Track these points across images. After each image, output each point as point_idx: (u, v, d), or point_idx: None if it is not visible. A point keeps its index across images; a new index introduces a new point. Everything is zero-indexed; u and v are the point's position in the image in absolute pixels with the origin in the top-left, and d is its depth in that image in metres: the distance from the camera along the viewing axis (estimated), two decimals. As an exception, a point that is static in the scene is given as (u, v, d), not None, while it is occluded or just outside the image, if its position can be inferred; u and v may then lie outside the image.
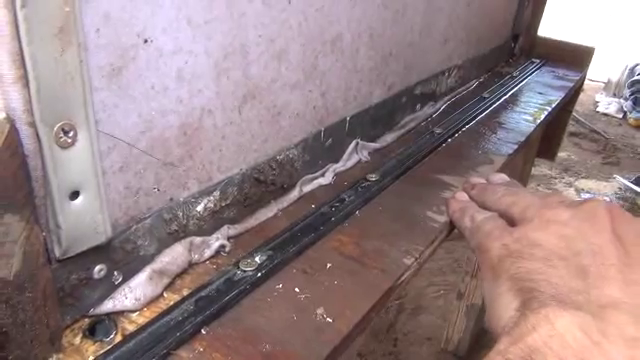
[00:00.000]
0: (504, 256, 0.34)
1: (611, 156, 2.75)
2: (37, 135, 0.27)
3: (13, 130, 0.25)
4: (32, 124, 0.26)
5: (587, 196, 2.26)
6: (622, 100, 3.30)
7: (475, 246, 0.39)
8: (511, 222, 0.38)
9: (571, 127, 3.03)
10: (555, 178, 2.48)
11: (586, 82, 3.55)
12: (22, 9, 0.24)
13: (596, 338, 0.25)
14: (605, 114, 3.30)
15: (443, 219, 0.49)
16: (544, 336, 0.25)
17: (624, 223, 0.32)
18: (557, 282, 0.29)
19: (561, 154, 2.70)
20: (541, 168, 2.52)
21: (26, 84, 0.26)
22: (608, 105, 3.35)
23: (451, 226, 0.48)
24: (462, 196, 0.48)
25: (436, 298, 1.63)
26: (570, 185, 2.43)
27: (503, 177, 0.50)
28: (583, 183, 2.45)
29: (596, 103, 3.43)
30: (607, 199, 2.24)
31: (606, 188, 2.41)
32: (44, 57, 0.26)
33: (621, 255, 0.29)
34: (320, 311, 0.37)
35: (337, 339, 0.34)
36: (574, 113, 3.12)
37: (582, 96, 3.47)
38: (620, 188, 2.39)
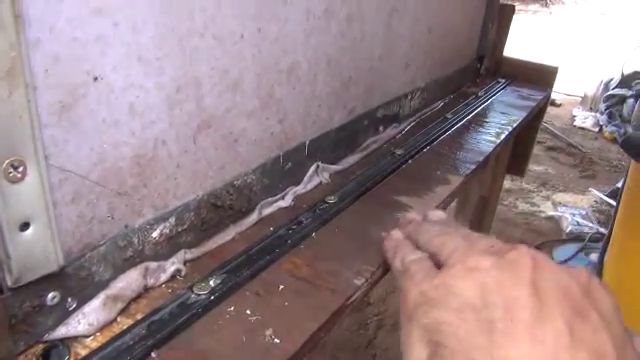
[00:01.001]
0: (420, 303, 0.33)
1: (588, 169, 2.81)
2: (-14, 171, 0.28)
3: (-39, 168, 0.27)
4: (-19, 161, 0.28)
5: (562, 209, 2.30)
6: (598, 114, 3.37)
7: (400, 289, 0.38)
8: (438, 265, 0.37)
9: (548, 141, 3.09)
10: (533, 192, 2.52)
11: (564, 97, 3.61)
12: (-31, 56, 0.26)
13: None
14: (582, 128, 3.36)
15: (396, 240, 0.51)
16: None
17: (546, 274, 0.31)
18: (463, 337, 0.29)
19: (538, 168, 2.75)
20: (519, 182, 2.57)
21: (-26, 124, 0.27)
22: (585, 119, 3.43)
23: (386, 265, 0.46)
24: (397, 234, 0.46)
25: (415, 313, 1.64)
26: (547, 199, 2.47)
27: (440, 215, 0.49)
28: (560, 197, 2.49)
29: (573, 117, 3.50)
30: (583, 212, 2.28)
31: (582, 201, 2.45)
32: (-8, 99, 0.27)
33: (535, 310, 0.28)
34: (269, 332, 0.38)
35: (283, 359, 0.36)
36: (551, 127, 3.19)
37: (559, 110, 3.56)
38: (596, 201, 2.44)
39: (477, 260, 0.33)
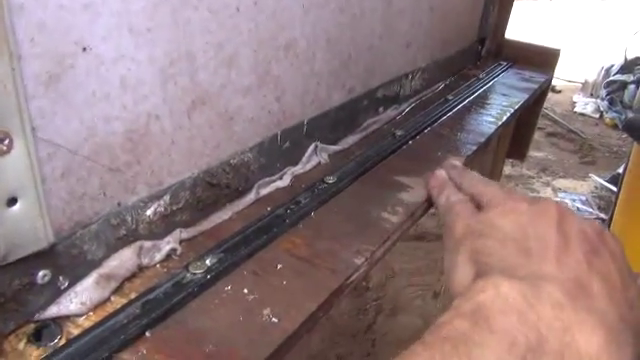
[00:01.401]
0: (467, 233, 0.40)
1: (588, 155, 2.79)
2: (-30, 143, 0.27)
3: (-58, 138, 0.26)
4: (-36, 132, 0.27)
5: (562, 195, 2.29)
6: (599, 100, 3.36)
7: (444, 223, 0.45)
8: (478, 207, 0.44)
9: (549, 127, 3.08)
10: (533, 178, 2.51)
11: (564, 83, 3.59)
12: (-52, 19, 0.24)
13: (531, 300, 0.30)
14: (582, 114, 3.35)
15: (396, 219, 0.50)
16: (490, 296, 0.31)
17: (569, 220, 0.38)
18: (506, 258, 0.36)
19: (539, 154, 2.73)
20: (519, 168, 2.56)
21: (-44, 93, 0.26)
22: (585, 105, 3.41)
23: (428, 200, 0.54)
24: (442, 174, 0.53)
25: (414, 298, 1.64)
26: (547, 185, 2.46)
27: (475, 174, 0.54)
28: (560, 182, 2.48)
29: (573, 103, 3.48)
30: (583, 198, 2.27)
31: (583, 187, 2.44)
32: (-26, 66, 0.26)
33: (561, 243, 0.35)
34: (267, 311, 0.37)
35: (281, 338, 0.35)
36: (552, 114, 3.17)
37: (560, 97, 3.54)
38: (596, 187, 2.43)
39: (515, 204, 0.40)
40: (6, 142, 0.29)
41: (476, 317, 0.30)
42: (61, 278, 0.35)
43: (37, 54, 0.30)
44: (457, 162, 0.56)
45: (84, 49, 0.32)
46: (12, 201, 0.30)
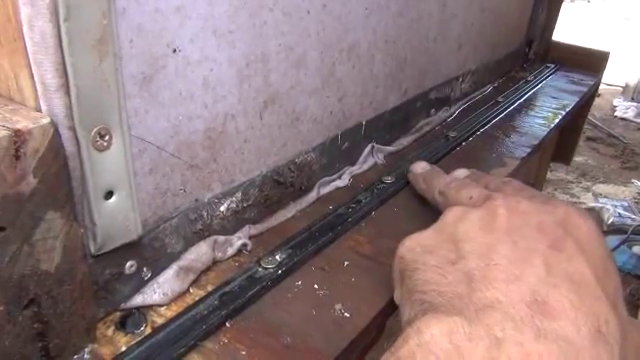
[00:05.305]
0: (403, 270, 0.34)
1: (629, 161, 2.72)
2: (76, 138, 0.29)
3: (56, 134, 0.27)
4: (72, 128, 0.29)
5: (603, 201, 2.24)
6: (640, 104, 3.27)
7: None
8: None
9: (588, 132, 3.01)
10: (572, 183, 2.46)
11: (604, 87, 3.50)
12: (65, 23, 0.26)
13: (460, 342, 0.24)
14: (623, 118, 3.26)
15: (457, 220, 0.50)
16: (412, 347, 0.25)
17: (518, 216, 0.32)
18: (445, 290, 0.29)
19: (578, 159, 2.68)
20: (558, 173, 2.51)
21: (67, 91, 0.28)
22: (626, 109, 3.32)
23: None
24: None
25: (452, 302, 1.63)
26: (588, 190, 2.41)
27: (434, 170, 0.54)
28: (601, 188, 2.43)
29: (614, 107, 3.40)
30: (625, 204, 2.22)
31: (624, 193, 2.38)
32: (84, 66, 0.28)
33: (508, 252, 0.29)
34: (338, 306, 0.38)
35: (355, 332, 0.36)
36: (591, 118, 3.11)
37: (600, 100, 3.46)
38: (639, 193, 2.37)
39: (452, 216, 0.35)
40: (107, 138, 0.30)
41: None
42: (145, 269, 0.37)
43: (134, 55, 0.31)
44: (425, 163, 0.54)
45: (174, 51, 0.34)
46: (109, 194, 0.32)
